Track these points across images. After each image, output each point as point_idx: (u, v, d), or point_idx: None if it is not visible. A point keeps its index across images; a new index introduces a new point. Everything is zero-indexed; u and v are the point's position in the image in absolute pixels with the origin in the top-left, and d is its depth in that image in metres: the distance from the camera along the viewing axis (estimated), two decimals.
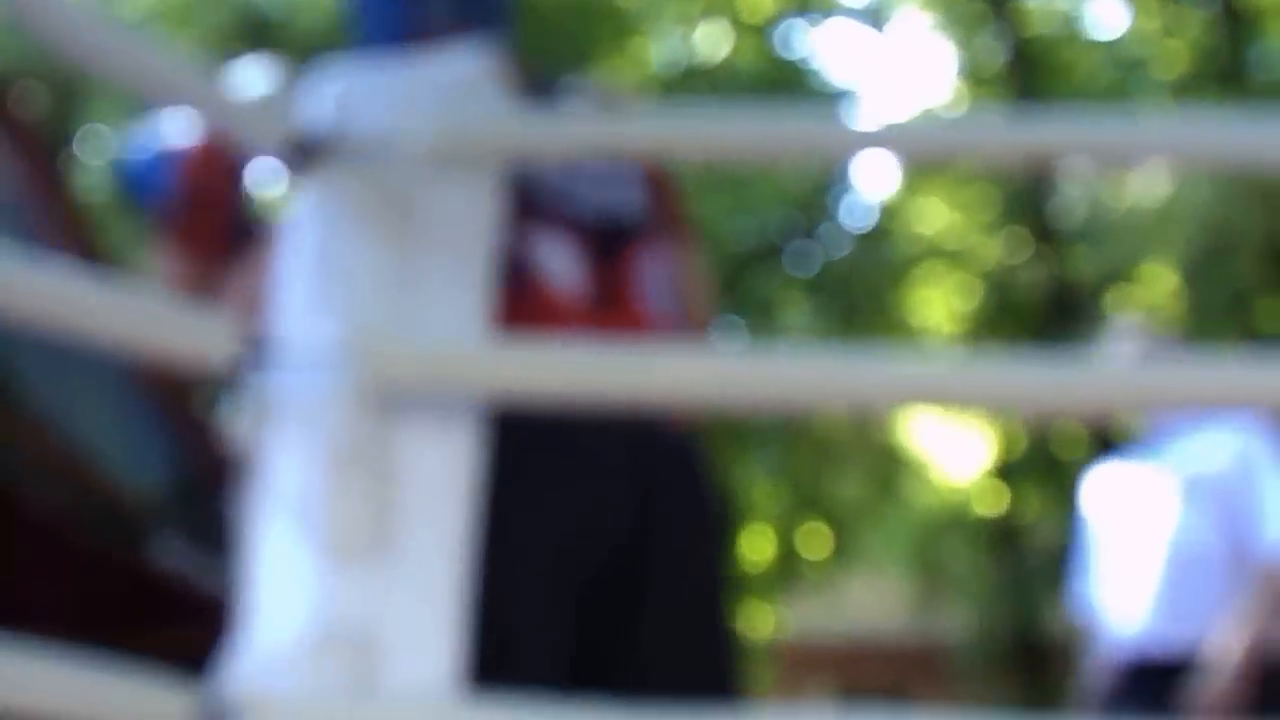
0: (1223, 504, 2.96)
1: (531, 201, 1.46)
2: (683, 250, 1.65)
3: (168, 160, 1.48)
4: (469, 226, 1.21)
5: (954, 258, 14.30)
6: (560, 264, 1.45)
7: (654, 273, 1.53)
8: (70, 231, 5.45)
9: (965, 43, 13.65)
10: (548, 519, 1.35)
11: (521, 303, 1.39)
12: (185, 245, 1.44)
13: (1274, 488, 2.98)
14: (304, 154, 1.26)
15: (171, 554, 5.36)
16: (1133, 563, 2.97)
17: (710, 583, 1.48)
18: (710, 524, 1.50)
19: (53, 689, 0.97)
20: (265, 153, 1.25)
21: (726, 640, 1.50)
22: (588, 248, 1.48)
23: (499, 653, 1.25)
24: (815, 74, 13.25)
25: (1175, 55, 11.17)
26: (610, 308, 1.46)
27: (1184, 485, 2.99)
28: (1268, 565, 2.90)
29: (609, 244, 1.50)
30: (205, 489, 6.26)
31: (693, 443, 1.51)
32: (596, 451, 1.39)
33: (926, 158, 1.26)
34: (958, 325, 14.37)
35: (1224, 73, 9.93)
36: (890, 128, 1.23)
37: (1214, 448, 3.05)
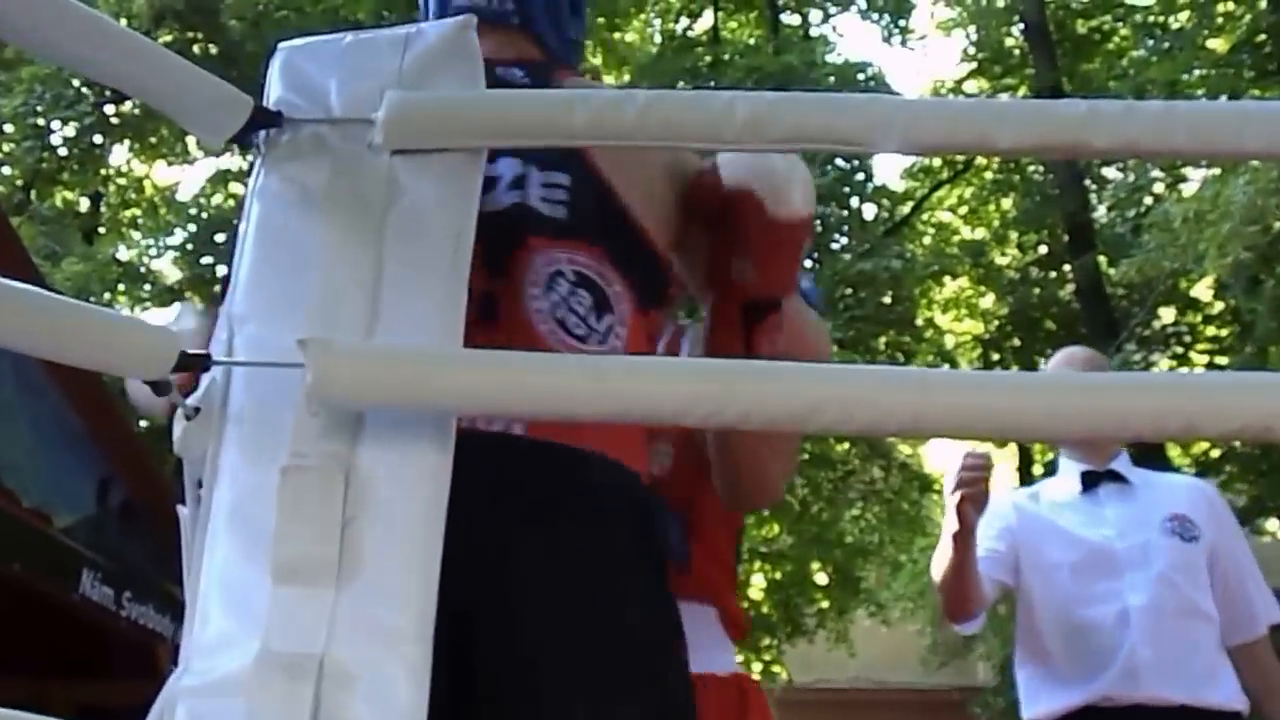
0: (1206, 555, 3.02)
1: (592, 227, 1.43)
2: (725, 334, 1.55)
3: None
4: (438, 214, 1.21)
5: (979, 261, 14.33)
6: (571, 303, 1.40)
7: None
8: None
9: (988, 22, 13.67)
10: None
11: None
12: None
13: (1243, 545, 3.11)
14: (259, 133, 1.26)
15: (99, 592, 5.33)
16: (1095, 602, 2.99)
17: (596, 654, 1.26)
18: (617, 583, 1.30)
19: None
20: (219, 131, 1.25)
21: None
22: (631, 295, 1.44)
23: None
24: (825, 47, 13.23)
25: (1220, 28, 11.19)
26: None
27: (1162, 529, 3.02)
28: None
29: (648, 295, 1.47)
30: (140, 516, 6.23)
31: (625, 475, 1.38)
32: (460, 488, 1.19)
33: (946, 147, 1.26)
34: (982, 332, 14.38)
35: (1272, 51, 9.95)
36: (909, 111, 1.22)
37: (1179, 492, 3.13)
